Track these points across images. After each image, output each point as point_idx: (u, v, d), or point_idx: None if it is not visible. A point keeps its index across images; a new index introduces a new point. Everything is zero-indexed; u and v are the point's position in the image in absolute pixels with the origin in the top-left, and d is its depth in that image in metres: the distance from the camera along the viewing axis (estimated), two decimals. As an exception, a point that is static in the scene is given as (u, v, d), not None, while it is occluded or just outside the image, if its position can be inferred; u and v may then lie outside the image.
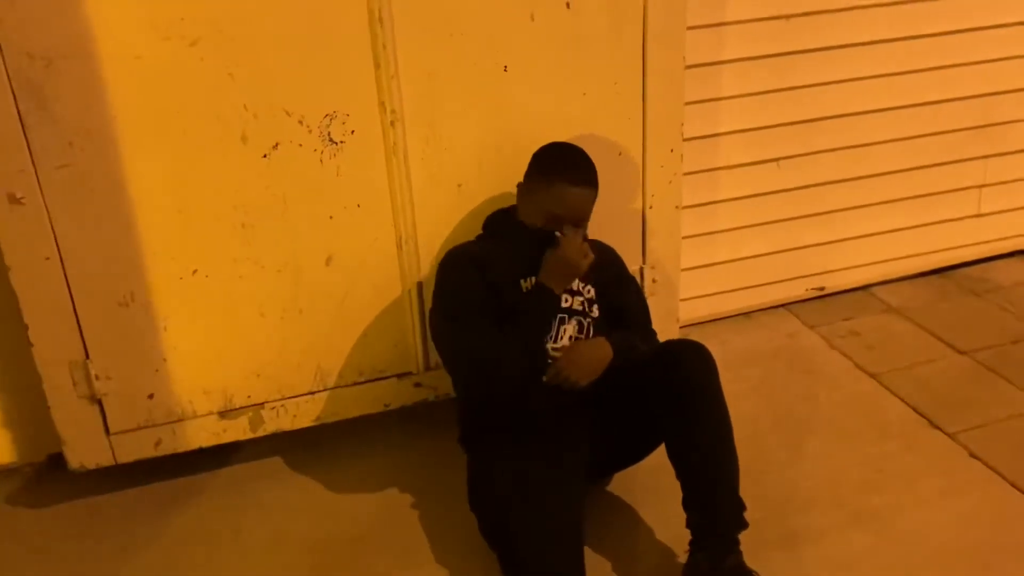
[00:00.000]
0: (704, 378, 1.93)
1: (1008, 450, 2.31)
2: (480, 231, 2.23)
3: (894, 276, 3.21)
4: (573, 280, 2.05)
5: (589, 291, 2.12)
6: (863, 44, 2.80)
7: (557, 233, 2.02)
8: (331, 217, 2.20)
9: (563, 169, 2.05)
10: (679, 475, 1.93)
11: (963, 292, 3.14)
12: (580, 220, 2.06)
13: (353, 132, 2.14)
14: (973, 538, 2.05)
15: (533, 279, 2.04)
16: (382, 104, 2.13)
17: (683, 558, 1.94)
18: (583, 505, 1.97)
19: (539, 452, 1.99)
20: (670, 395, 1.92)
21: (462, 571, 2.04)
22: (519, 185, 2.13)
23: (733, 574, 1.85)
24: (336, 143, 2.14)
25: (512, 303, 2.01)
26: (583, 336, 2.08)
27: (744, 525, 1.89)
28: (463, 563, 2.05)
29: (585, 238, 2.08)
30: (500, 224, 2.17)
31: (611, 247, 2.25)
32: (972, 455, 2.31)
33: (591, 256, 2.02)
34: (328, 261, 2.24)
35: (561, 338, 2.05)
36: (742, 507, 1.90)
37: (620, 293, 2.21)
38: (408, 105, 2.15)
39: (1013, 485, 2.19)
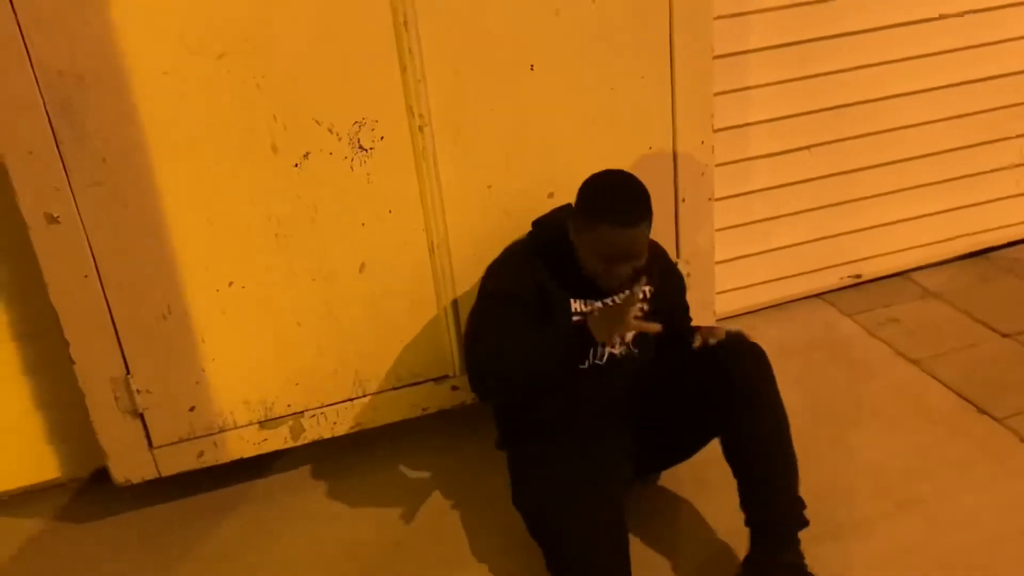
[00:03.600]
0: (761, 382, 1.92)
1: (1058, 434, 2.27)
2: (511, 232, 2.19)
3: (932, 261, 3.16)
4: (618, 336, 1.98)
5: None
6: (890, 27, 2.76)
7: (628, 292, 1.93)
8: (363, 224, 2.21)
9: (607, 212, 1.86)
10: (736, 474, 1.93)
11: (1003, 273, 3.08)
12: (635, 257, 1.90)
13: (383, 138, 2.14)
14: (1020, 523, 2.01)
15: (583, 303, 1.98)
16: (410, 109, 2.13)
17: (739, 553, 1.94)
18: (624, 502, 1.95)
19: (579, 449, 1.98)
20: (727, 399, 1.91)
21: (505, 572, 2.04)
22: (569, 220, 1.99)
23: (791, 571, 1.84)
24: (366, 150, 2.14)
25: (558, 317, 1.97)
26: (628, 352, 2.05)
27: (803, 523, 1.89)
28: (505, 565, 2.05)
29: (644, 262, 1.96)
30: (557, 250, 2.00)
31: (660, 246, 2.19)
32: (1022, 440, 2.26)
33: (651, 326, 1.89)
34: (361, 268, 2.24)
35: (602, 357, 2.03)
36: (801, 505, 1.89)
37: (672, 297, 2.18)
38: (436, 109, 2.15)
39: (1065, 469, 2.16)
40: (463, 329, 2.36)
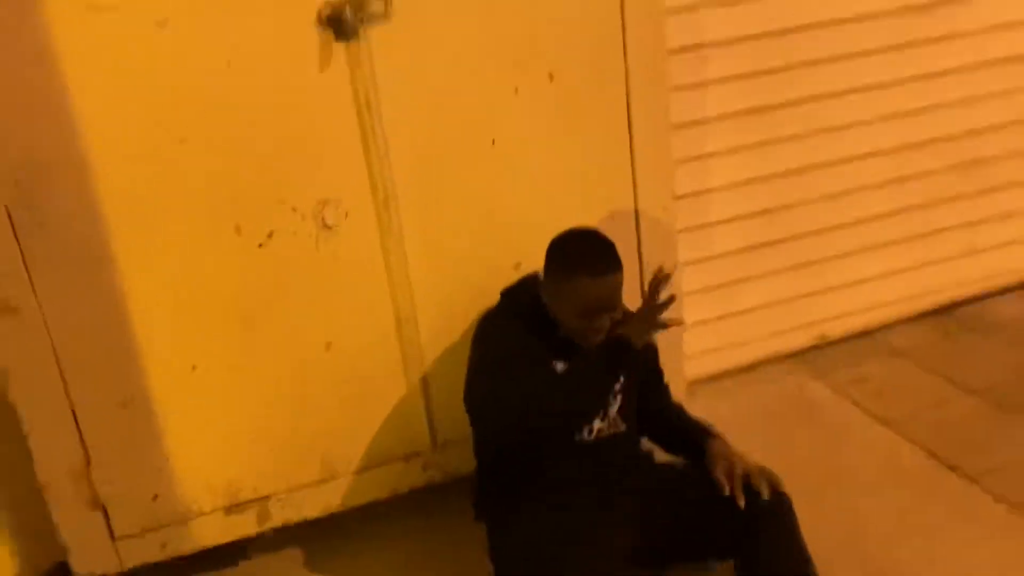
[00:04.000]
0: (787, 549, 1.91)
1: (1031, 492, 2.27)
2: (479, 304, 2.19)
3: (895, 318, 3.19)
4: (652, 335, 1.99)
5: None
6: (845, 92, 2.83)
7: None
8: (329, 302, 2.18)
9: (580, 263, 1.91)
10: None
11: (965, 330, 3.12)
12: (613, 308, 1.93)
13: (347, 215, 2.13)
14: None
15: (563, 364, 1.98)
16: (374, 186, 2.13)
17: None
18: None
19: (569, 529, 1.92)
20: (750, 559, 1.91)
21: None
22: (541, 283, 2.02)
23: None
24: (330, 228, 2.13)
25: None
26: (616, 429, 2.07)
27: None
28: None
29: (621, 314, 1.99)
30: (531, 314, 2.02)
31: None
32: (996, 499, 2.26)
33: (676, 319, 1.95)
34: (328, 347, 2.21)
35: (607, 416, 2.03)
36: None
37: (650, 362, 2.19)
38: (401, 185, 2.15)
39: (1040, 528, 2.15)
40: (433, 403, 2.34)
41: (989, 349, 2.99)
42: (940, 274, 3.19)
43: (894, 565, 2.09)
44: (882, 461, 2.48)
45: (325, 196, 2.10)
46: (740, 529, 1.92)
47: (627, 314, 2.00)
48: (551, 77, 2.21)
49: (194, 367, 2.13)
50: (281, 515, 2.30)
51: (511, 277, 2.18)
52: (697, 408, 2.75)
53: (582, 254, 1.94)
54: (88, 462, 2.09)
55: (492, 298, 2.13)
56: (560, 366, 1.98)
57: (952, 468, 2.40)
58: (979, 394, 2.73)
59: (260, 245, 2.09)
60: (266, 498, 2.28)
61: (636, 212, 2.41)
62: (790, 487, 2.03)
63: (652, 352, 2.21)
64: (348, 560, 2.34)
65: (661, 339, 2.47)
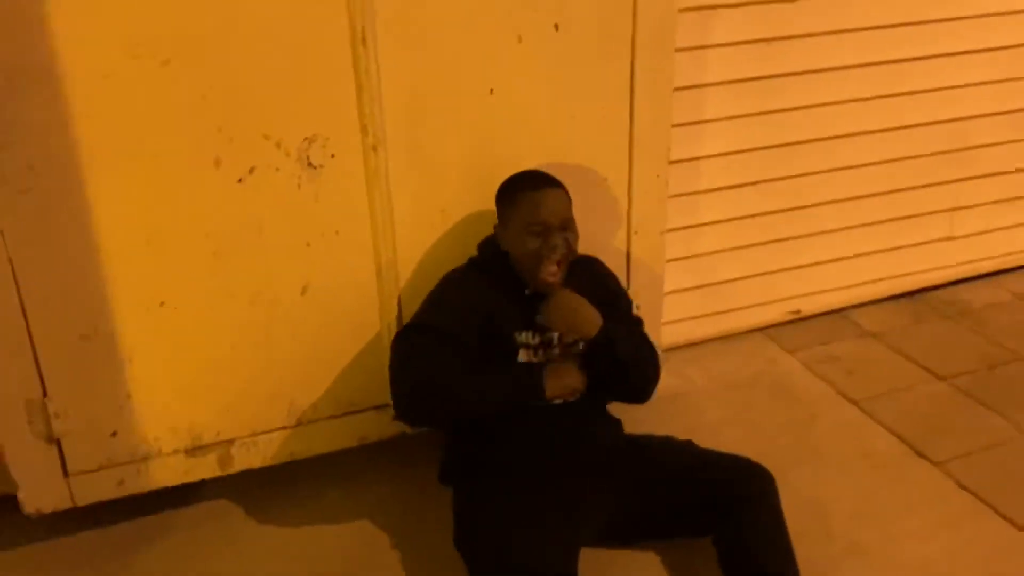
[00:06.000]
0: (765, 494, 1.94)
1: (995, 480, 2.29)
2: (461, 256, 2.15)
3: (869, 299, 3.20)
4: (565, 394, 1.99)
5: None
6: (838, 69, 2.79)
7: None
8: (308, 244, 2.10)
9: (521, 183, 2.01)
10: None
11: (937, 315, 3.15)
12: (561, 224, 1.96)
13: (333, 156, 2.04)
14: (967, 573, 2.02)
15: (529, 334, 2.00)
16: (364, 127, 2.03)
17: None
18: (577, 558, 1.87)
19: (533, 495, 1.90)
20: (727, 523, 1.91)
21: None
22: (495, 229, 2.06)
23: None
24: (315, 167, 2.04)
25: (502, 352, 1.96)
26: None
27: None
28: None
29: (574, 253, 2.01)
30: (497, 264, 2.05)
31: (600, 263, 2.19)
32: (961, 486, 2.29)
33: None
34: (304, 291, 2.13)
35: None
36: None
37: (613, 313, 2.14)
38: (391, 129, 2.06)
39: (1003, 517, 2.18)
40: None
41: (959, 335, 3.01)
42: (917, 258, 3.20)
43: (856, 546, 2.10)
44: (850, 440, 2.49)
45: (312, 133, 2.00)
46: (721, 508, 1.91)
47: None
48: (557, 27, 2.12)
49: (162, 303, 2.03)
50: (244, 459, 2.24)
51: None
52: (672, 376, 2.76)
53: (522, 178, 2.03)
54: (44, 394, 2.00)
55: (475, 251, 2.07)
56: (524, 336, 1.99)
57: (919, 452, 2.42)
58: (948, 380, 2.76)
59: (240, 180, 1.99)
60: (230, 442, 2.21)
61: (630, 175, 2.35)
62: (760, 457, 2.03)
63: (614, 287, 2.21)
64: (303, 506, 2.29)
65: (642, 303, 2.45)
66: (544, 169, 2.07)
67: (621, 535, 2.07)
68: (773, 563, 1.89)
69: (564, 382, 1.96)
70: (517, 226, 1.98)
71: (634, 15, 2.17)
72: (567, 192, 2.02)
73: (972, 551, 2.08)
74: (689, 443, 2.11)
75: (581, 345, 2.01)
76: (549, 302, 1.97)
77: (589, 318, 1.97)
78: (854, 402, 2.66)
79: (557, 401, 1.98)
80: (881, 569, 2.04)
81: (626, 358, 1.99)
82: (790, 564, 1.89)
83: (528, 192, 1.98)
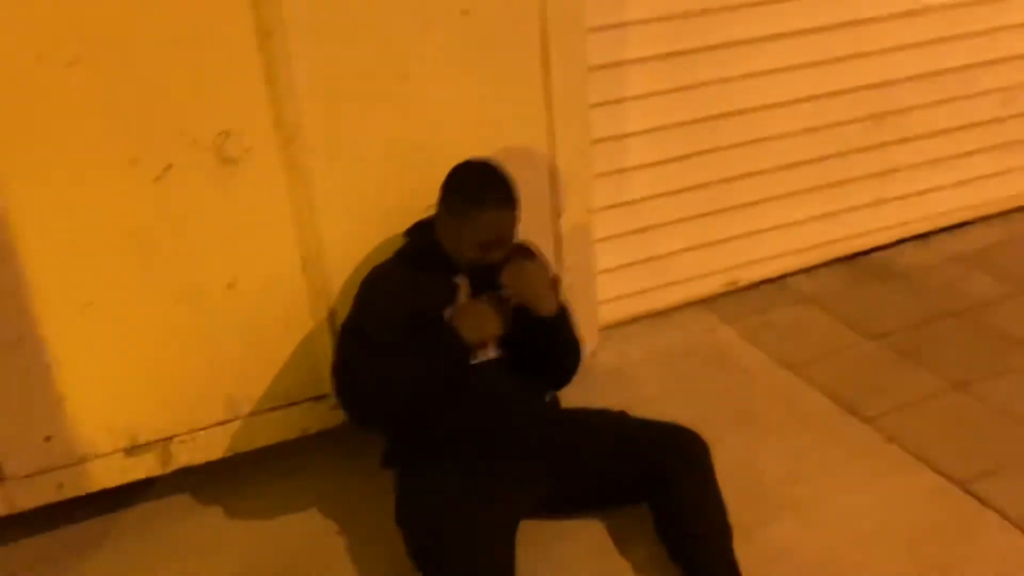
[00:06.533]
0: (698, 475, 1.98)
1: (922, 432, 2.36)
2: (389, 244, 2.17)
3: (805, 266, 3.25)
4: (487, 339, 2.01)
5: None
6: (760, 39, 2.83)
7: (501, 293, 1.99)
8: (231, 240, 2.12)
9: (476, 195, 1.95)
10: (670, 544, 1.95)
11: (870, 278, 3.21)
12: (507, 241, 2.00)
13: (249, 150, 2.05)
14: (895, 521, 2.08)
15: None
16: (278, 120, 2.05)
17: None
18: (514, 528, 1.92)
19: (468, 469, 1.95)
20: (661, 489, 1.96)
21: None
22: (436, 213, 2.05)
23: None
24: (232, 161, 2.05)
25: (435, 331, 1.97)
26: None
27: None
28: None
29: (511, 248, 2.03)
30: (426, 251, 2.07)
31: (529, 247, 2.22)
32: (889, 439, 2.35)
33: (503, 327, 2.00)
34: (231, 285, 2.15)
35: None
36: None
37: None
38: (308, 120, 2.08)
39: (928, 465, 2.24)
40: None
41: (892, 296, 3.07)
42: (850, 222, 3.26)
43: (788, 502, 2.15)
44: (784, 403, 2.54)
45: (227, 128, 2.02)
46: (655, 476, 1.96)
47: (518, 248, 2.04)
48: (465, 12, 2.15)
49: (89, 304, 2.05)
50: (185, 456, 2.25)
51: (423, 216, 2.14)
52: (609, 353, 2.81)
53: (479, 186, 1.97)
54: (-26, 402, 2.01)
55: (401, 238, 2.09)
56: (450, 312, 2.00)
57: (850, 410, 2.48)
58: (879, 339, 2.82)
59: (157, 178, 2.01)
60: (168, 439, 2.23)
61: (552, 154, 2.38)
62: (698, 427, 2.08)
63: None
64: (247, 500, 2.31)
65: (573, 282, 2.48)
66: (468, 155, 2.08)
67: (560, 507, 2.11)
68: (706, 523, 1.94)
69: (475, 321, 1.96)
70: (458, 232, 1.98)
71: (541, -3, 2.20)
72: (517, 202, 1.99)
73: (898, 500, 2.15)
74: (622, 414, 2.15)
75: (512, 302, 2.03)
76: (512, 266, 1.98)
77: (550, 295, 2.01)
78: (789, 367, 2.71)
79: (480, 354, 2.02)
80: (812, 522, 2.09)
81: (568, 340, 2.04)
82: (723, 524, 1.94)
83: (475, 212, 1.94)
